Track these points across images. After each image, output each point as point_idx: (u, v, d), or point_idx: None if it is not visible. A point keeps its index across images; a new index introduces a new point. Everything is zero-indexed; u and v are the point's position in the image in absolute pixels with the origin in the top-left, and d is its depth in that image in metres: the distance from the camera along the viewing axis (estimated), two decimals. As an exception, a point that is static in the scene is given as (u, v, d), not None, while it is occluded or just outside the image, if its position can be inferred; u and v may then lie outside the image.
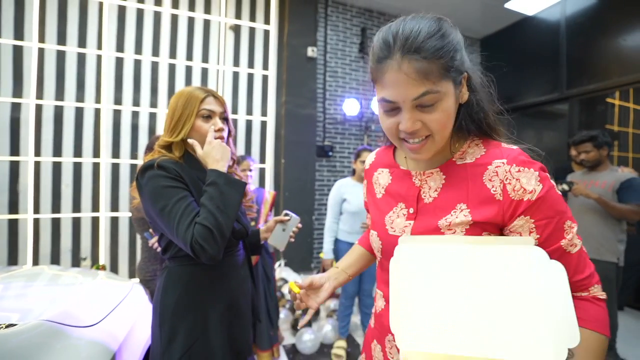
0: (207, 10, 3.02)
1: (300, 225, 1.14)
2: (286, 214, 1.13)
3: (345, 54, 3.59)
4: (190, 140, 0.92)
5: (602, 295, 0.54)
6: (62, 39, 2.58)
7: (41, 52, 2.52)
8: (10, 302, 0.95)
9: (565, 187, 2.00)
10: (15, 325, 0.78)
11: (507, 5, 3.52)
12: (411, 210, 0.61)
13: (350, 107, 3.43)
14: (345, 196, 2.20)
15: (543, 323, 0.44)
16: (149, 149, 1.57)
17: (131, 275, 2.76)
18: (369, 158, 0.77)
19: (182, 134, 0.92)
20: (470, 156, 0.58)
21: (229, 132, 1.04)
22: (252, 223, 1.18)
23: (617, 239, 1.98)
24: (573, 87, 3.47)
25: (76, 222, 2.64)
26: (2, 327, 0.76)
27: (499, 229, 0.56)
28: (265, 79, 3.26)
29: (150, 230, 1.50)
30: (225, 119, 1.01)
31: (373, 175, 0.72)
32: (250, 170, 2.12)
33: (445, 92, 0.51)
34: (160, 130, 2.86)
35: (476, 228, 0.55)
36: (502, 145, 0.57)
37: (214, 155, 0.89)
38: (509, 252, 0.48)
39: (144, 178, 0.85)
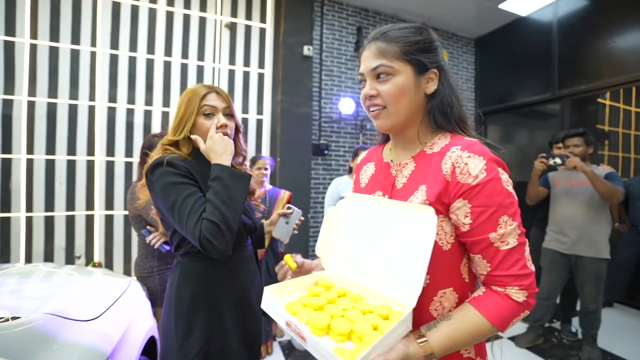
0: (203, 8, 3.01)
1: (302, 218, 1.17)
2: (289, 207, 1.16)
3: (341, 52, 3.61)
4: (193, 136, 0.92)
5: (518, 297, 0.55)
6: (55, 35, 2.55)
7: (33, 48, 2.49)
8: (11, 297, 0.95)
9: (558, 160, 2.05)
10: (19, 317, 0.79)
11: (501, 6, 3.56)
12: (386, 197, 0.69)
13: (346, 105, 3.45)
14: (343, 194, 2.23)
15: (408, 273, 0.57)
16: (145, 148, 1.57)
17: (126, 273, 2.74)
18: (361, 155, 0.87)
19: (184, 132, 0.93)
20: (437, 146, 0.64)
21: (237, 128, 1.03)
22: (263, 220, 1.19)
23: (608, 236, 2.04)
24: (564, 87, 3.53)
25: (70, 220, 2.61)
26: (7, 319, 0.76)
27: (447, 209, 0.60)
28: (261, 77, 3.26)
29: (148, 227, 1.50)
30: (230, 115, 1.00)
31: (362, 169, 0.81)
32: (266, 169, 2.13)
33: (400, 71, 0.62)
34: (155, 128, 2.85)
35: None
36: (465, 138, 0.63)
37: (217, 149, 0.89)
38: (410, 214, 0.59)
39: (154, 175, 0.85)
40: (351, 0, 3.57)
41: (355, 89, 3.66)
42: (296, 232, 1.17)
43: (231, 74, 3.15)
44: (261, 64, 3.26)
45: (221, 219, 0.79)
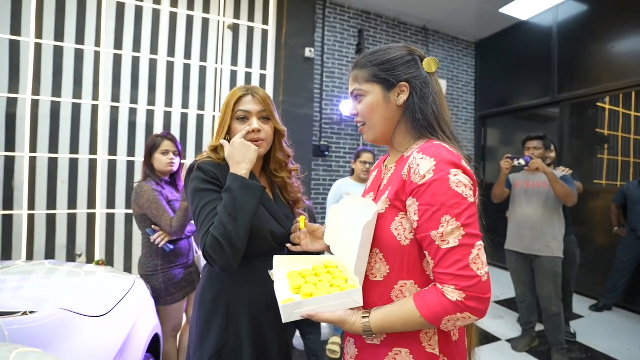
0: (206, 9, 3.03)
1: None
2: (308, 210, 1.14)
3: (343, 55, 3.63)
4: (221, 141, 0.90)
5: (451, 297, 0.56)
6: (59, 34, 2.56)
7: (38, 47, 2.51)
8: (23, 292, 0.96)
9: (522, 161, 2.14)
10: (35, 312, 0.80)
11: (501, 10, 3.59)
12: (372, 196, 0.78)
13: (347, 107, 3.47)
14: (345, 195, 2.25)
15: (353, 258, 0.66)
16: (149, 148, 1.59)
17: (127, 271, 2.74)
18: (376, 163, 0.94)
19: (221, 138, 0.92)
20: (410, 151, 0.69)
21: (279, 131, 0.99)
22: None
23: (562, 235, 2.16)
24: (564, 91, 3.56)
25: (72, 219, 2.63)
26: (25, 313, 0.77)
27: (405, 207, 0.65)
28: (263, 78, 3.28)
29: (153, 226, 1.51)
30: (267, 118, 0.95)
31: (371, 174, 0.89)
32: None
33: (368, 91, 0.72)
34: (157, 127, 2.87)
35: (393, 209, 0.66)
36: (434, 142, 0.66)
37: (235, 157, 0.86)
38: (364, 209, 0.69)
39: (188, 179, 0.89)
40: (353, 3, 3.60)
41: (356, 90, 3.68)
42: None
43: (233, 74, 3.17)
44: (263, 66, 3.28)
45: (223, 235, 0.76)
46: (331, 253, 0.85)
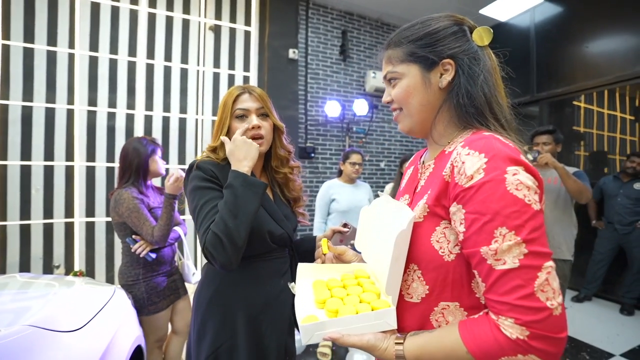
0: (186, 10, 2.97)
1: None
2: (345, 225, 1.05)
3: (327, 56, 3.63)
4: (222, 137, 0.89)
5: (510, 333, 0.44)
6: (29, 36, 2.45)
7: (6, 49, 2.39)
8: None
9: (530, 157, 1.99)
10: None
11: (481, 11, 3.67)
12: (408, 200, 0.67)
13: (332, 108, 3.46)
14: (335, 196, 2.24)
15: (385, 273, 0.56)
16: (149, 152, 1.53)
17: (109, 282, 2.65)
18: (411, 159, 0.84)
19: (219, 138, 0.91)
20: (453, 145, 0.58)
21: (278, 128, 0.99)
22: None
23: (573, 236, 2.06)
24: (543, 90, 3.66)
25: (48, 229, 2.51)
26: None
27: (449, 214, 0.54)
28: (246, 80, 3.23)
29: (134, 235, 1.45)
30: (265, 115, 0.95)
31: (406, 172, 0.78)
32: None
33: (404, 73, 0.62)
34: (137, 131, 2.78)
35: (433, 217, 0.55)
36: (484, 133, 0.54)
37: (237, 154, 0.84)
38: (398, 215, 0.59)
39: (187, 179, 0.88)
40: (336, 4, 3.60)
41: (340, 92, 3.68)
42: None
43: (216, 77, 3.12)
44: (246, 67, 3.24)
45: (224, 231, 0.75)
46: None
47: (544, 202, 0.50)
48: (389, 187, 2.70)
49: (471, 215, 0.48)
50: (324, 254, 0.78)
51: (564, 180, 1.92)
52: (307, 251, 1.06)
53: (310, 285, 0.68)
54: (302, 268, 0.73)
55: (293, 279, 1.00)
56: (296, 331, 1.03)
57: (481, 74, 0.58)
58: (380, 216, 0.69)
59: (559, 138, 2.14)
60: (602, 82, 3.20)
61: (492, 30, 0.61)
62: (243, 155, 0.84)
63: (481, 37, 0.60)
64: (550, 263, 0.45)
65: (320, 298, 0.61)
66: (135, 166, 1.51)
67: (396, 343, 0.52)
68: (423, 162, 0.68)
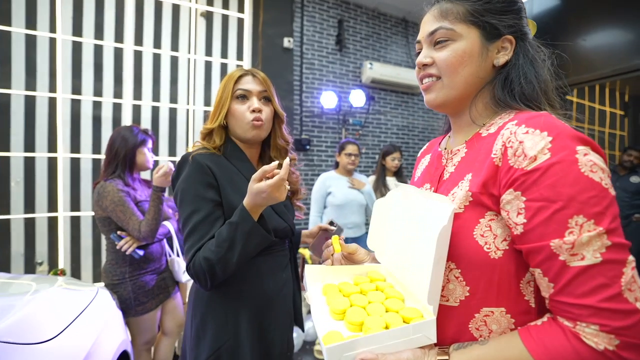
0: (176, -6, 2.82)
1: (344, 237, 1.03)
2: (331, 223, 1.05)
3: (322, 45, 3.52)
4: (285, 163, 0.76)
5: (595, 343, 0.37)
6: (5, 19, 2.29)
7: (-18, 33, 2.23)
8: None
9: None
10: None
11: (479, 2, 3.60)
12: (432, 189, 0.59)
13: (328, 99, 3.37)
14: (331, 189, 2.17)
15: (421, 279, 0.49)
16: (136, 142, 1.45)
17: (96, 279, 2.55)
18: (424, 147, 0.76)
19: (219, 119, 0.86)
20: (495, 126, 0.51)
21: (278, 116, 0.94)
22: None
23: None
24: (540, 83, 3.63)
25: (29, 224, 2.38)
26: None
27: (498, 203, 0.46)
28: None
29: (118, 232, 1.36)
30: (267, 99, 0.91)
31: (420, 161, 0.72)
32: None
33: (462, 34, 0.52)
34: (125, 121, 2.65)
35: (476, 206, 0.47)
36: (532, 112, 0.48)
37: (263, 200, 0.74)
38: (430, 206, 0.51)
39: (180, 172, 0.82)
40: (332, -9, 3.49)
41: (336, 82, 3.59)
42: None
43: (208, 65, 2.99)
44: (239, 56, 3.12)
45: (208, 270, 0.73)
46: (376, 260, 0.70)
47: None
48: (371, 179, 2.62)
49: (535, 202, 0.40)
50: (334, 254, 0.70)
51: None
52: (294, 244, 1.04)
53: (320, 291, 0.59)
54: (310, 271, 0.64)
55: (294, 272, 0.97)
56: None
57: (539, 59, 0.54)
58: (404, 209, 0.59)
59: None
60: (594, 76, 3.17)
61: (535, 24, 0.57)
62: (267, 202, 0.75)
63: (531, 24, 0.58)
64: (632, 257, 0.38)
65: (338, 308, 0.52)
66: (122, 156, 1.41)
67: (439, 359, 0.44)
68: (445, 148, 0.61)
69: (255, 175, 0.74)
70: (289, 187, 0.78)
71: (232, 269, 0.75)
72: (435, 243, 0.44)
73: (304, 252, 0.76)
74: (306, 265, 0.65)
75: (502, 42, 0.53)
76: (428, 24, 0.55)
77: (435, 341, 0.46)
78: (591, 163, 0.39)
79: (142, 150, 1.47)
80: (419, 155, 0.75)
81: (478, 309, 0.47)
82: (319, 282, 0.62)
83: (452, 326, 0.49)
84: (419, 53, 0.58)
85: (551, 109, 0.52)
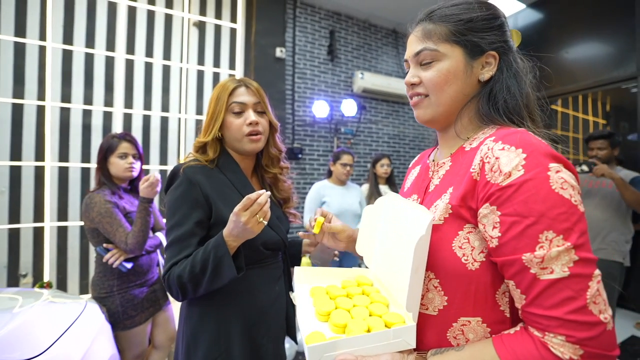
0: (169, 4, 2.84)
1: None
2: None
3: (314, 55, 3.57)
4: (261, 193, 0.74)
5: (561, 352, 0.39)
6: (-4, 26, 2.27)
7: (-30, 40, 2.20)
8: None
9: (585, 167, 1.95)
10: None
11: (466, 15, 3.71)
12: (419, 200, 0.61)
13: (320, 109, 3.40)
14: (325, 198, 2.17)
15: (401, 286, 0.50)
16: (104, 151, 1.41)
17: (83, 291, 2.48)
18: (415, 158, 0.78)
19: (213, 132, 0.85)
20: (477, 141, 0.53)
21: (272, 126, 0.93)
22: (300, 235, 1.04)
23: (625, 239, 1.98)
24: (525, 93, 3.74)
25: (14, 234, 2.32)
26: None
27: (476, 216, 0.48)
28: (232, 78, 3.12)
29: (105, 244, 1.33)
30: (262, 111, 0.90)
31: (410, 172, 0.73)
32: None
33: (446, 54, 0.54)
34: (116, 130, 2.63)
35: (456, 219, 0.49)
36: (511, 128, 0.50)
37: (241, 232, 0.73)
38: (413, 216, 0.52)
39: (172, 183, 0.82)
40: (324, 3, 3.55)
41: (328, 92, 3.63)
42: (336, 258, 1.02)
43: (200, 74, 3.00)
44: (232, 65, 3.13)
45: (180, 286, 0.75)
46: (363, 264, 0.74)
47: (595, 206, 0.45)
48: (365, 187, 2.64)
49: (509, 217, 0.42)
50: (315, 234, 0.75)
51: (622, 192, 1.85)
52: (293, 255, 1.02)
53: (308, 293, 0.61)
54: (298, 273, 0.66)
55: (287, 284, 0.96)
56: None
57: (522, 73, 0.56)
58: (390, 217, 0.61)
59: (616, 141, 2.05)
60: (579, 87, 3.29)
61: (520, 34, 0.59)
62: (241, 231, 0.74)
63: (515, 35, 0.59)
64: (598, 271, 0.40)
65: (323, 309, 0.54)
66: (101, 169, 1.39)
67: None
68: (433, 160, 0.63)
69: (238, 205, 0.73)
70: (265, 222, 0.75)
71: (204, 290, 0.76)
72: (412, 251, 0.46)
73: (306, 261, 0.76)
74: (295, 267, 0.66)
75: (486, 57, 0.55)
76: (413, 44, 0.57)
77: (414, 346, 0.48)
78: (562, 180, 0.41)
79: (112, 160, 1.39)
80: (410, 166, 0.77)
81: (456, 318, 0.49)
82: (307, 284, 0.64)
83: (431, 334, 0.51)
84: (406, 70, 0.61)
85: (532, 122, 0.55)
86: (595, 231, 2.02)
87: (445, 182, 0.55)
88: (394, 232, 0.58)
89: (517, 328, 0.45)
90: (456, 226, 0.48)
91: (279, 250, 0.93)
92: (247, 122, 0.85)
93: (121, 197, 1.40)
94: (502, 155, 0.44)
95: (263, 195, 0.72)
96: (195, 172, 0.81)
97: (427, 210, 0.50)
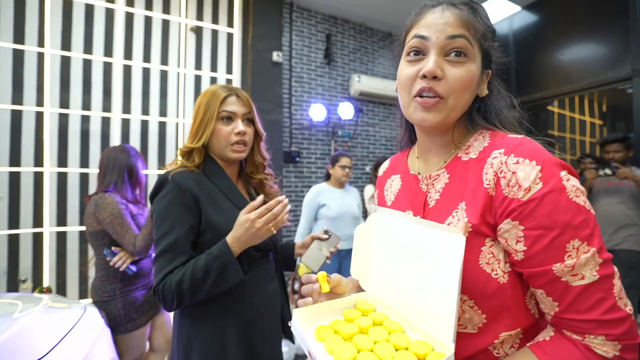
0: (166, 10, 2.86)
1: (339, 246, 1.03)
2: (326, 232, 1.03)
3: (311, 59, 3.59)
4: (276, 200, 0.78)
5: (605, 352, 0.40)
6: (-6, 33, 2.29)
7: (-32, 47, 2.22)
8: None
9: (608, 171, 2.05)
10: None
11: (461, 18, 3.74)
12: (418, 217, 0.56)
13: (317, 112, 3.43)
14: (324, 202, 2.19)
15: (440, 311, 0.45)
16: (107, 155, 1.45)
17: (82, 296, 2.49)
18: (383, 165, 0.74)
19: (202, 140, 0.86)
20: (475, 150, 0.51)
21: (258, 134, 0.96)
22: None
23: None
24: (521, 95, 3.77)
25: (13, 240, 2.33)
26: None
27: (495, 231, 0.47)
28: (229, 83, 3.15)
29: (113, 247, 1.34)
30: (250, 120, 0.93)
31: (386, 182, 0.69)
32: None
33: (474, 56, 0.49)
34: (114, 135, 2.64)
35: (477, 236, 0.47)
36: (508, 135, 0.49)
37: (248, 238, 0.76)
38: (438, 236, 0.47)
39: (160, 191, 0.82)
40: (320, 7, 3.58)
41: (325, 95, 3.65)
42: (328, 261, 1.02)
43: (197, 79, 3.02)
44: (229, 70, 3.15)
45: (177, 294, 0.74)
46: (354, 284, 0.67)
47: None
48: (369, 187, 2.67)
49: (534, 231, 0.42)
50: (321, 292, 0.61)
51: None
52: (285, 258, 1.04)
53: (314, 337, 0.52)
54: (297, 314, 0.56)
55: (281, 284, 0.97)
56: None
57: (506, 96, 0.55)
58: (398, 237, 0.56)
59: (630, 144, 2.16)
60: (575, 88, 3.32)
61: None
62: (250, 236, 0.77)
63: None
64: (616, 268, 0.42)
65: (344, 357, 0.46)
66: (123, 172, 1.42)
67: None
68: (419, 172, 0.59)
69: (243, 210, 0.77)
70: (275, 230, 0.79)
71: (201, 298, 0.76)
72: (457, 280, 0.42)
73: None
74: (294, 311, 0.56)
75: (487, 74, 0.54)
76: (445, 25, 0.48)
77: None
78: (575, 188, 0.42)
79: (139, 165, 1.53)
80: (380, 174, 0.72)
81: (497, 335, 0.47)
82: (309, 325, 0.55)
83: (473, 349, 0.49)
84: (416, 51, 0.51)
85: (508, 127, 0.55)
86: (618, 225, 2.12)
87: (451, 197, 0.52)
88: (412, 252, 0.53)
89: (552, 333, 0.45)
90: (478, 243, 0.47)
91: (269, 251, 0.94)
92: (235, 132, 0.87)
93: (130, 202, 1.43)
94: (518, 169, 0.43)
95: (279, 205, 0.75)
96: (184, 178, 0.81)
97: (453, 229, 0.45)
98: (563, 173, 0.43)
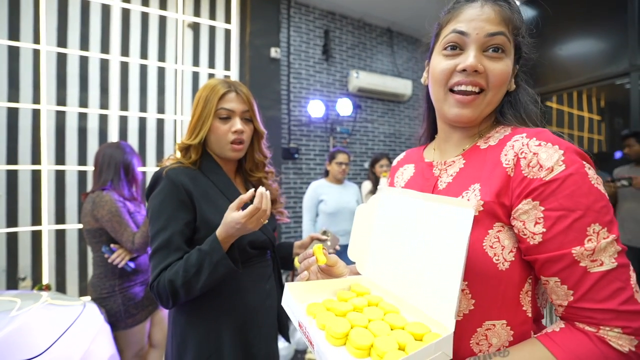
0: (163, 6, 2.84)
1: (338, 247, 1.01)
2: (324, 232, 1.02)
3: (309, 55, 3.58)
4: (259, 192, 0.76)
5: (620, 345, 0.38)
6: (-11, 30, 2.27)
7: (-36, 45, 2.20)
8: None
9: (625, 182, 2.10)
10: None
11: (460, 13, 3.72)
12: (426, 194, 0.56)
13: (315, 108, 3.42)
14: (322, 197, 2.21)
15: (442, 288, 0.43)
16: (102, 152, 1.44)
17: (82, 293, 2.49)
18: (399, 156, 0.73)
19: (200, 137, 0.84)
20: (495, 139, 0.51)
21: (258, 132, 0.94)
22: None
23: None
24: (520, 90, 3.77)
25: (12, 238, 2.33)
26: None
27: (508, 214, 0.46)
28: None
29: (111, 245, 1.35)
30: (249, 119, 0.91)
31: (397, 170, 0.69)
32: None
33: (510, 51, 0.50)
34: (112, 132, 2.63)
35: (487, 217, 0.46)
36: (530, 128, 0.50)
37: (236, 230, 0.75)
38: (446, 210, 0.45)
39: (155, 188, 0.81)
40: (318, 3, 3.56)
41: (323, 91, 3.64)
42: None
43: (195, 76, 3.01)
44: (227, 66, 3.14)
45: (171, 291, 0.74)
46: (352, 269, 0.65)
47: None
48: (366, 184, 2.67)
49: (555, 212, 0.41)
50: (318, 265, 0.60)
51: None
52: (283, 258, 1.03)
53: (305, 313, 0.50)
54: (286, 292, 0.54)
55: (278, 283, 0.97)
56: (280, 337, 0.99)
57: (529, 92, 0.56)
58: (399, 215, 0.54)
59: None
60: (573, 83, 3.33)
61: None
62: (240, 232, 0.76)
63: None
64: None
65: (337, 331, 0.44)
66: (119, 169, 1.42)
67: None
68: (434, 160, 0.60)
69: (232, 204, 0.75)
70: (265, 221, 0.78)
71: (196, 294, 0.76)
72: (463, 254, 0.40)
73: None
74: (286, 285, 0.55)
75: (514, 68, 0.54)
76: (485, 21, 0.48)
77: (451, 357, 0.42)
78: (596, 176, 0.42)
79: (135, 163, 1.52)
80: (394, 164, 0.73)
81: (481, 323, 0.46)
82: (300, 302, 0.53)
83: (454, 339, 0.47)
84: (453, 46, 0.51)
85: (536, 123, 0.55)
86: (631, 218, 2.19)
87: (464, 180, 0.51)
88: (414, 229, 0.51)
89: (562, 325, 0.43)
90: (487, 224, 0.46)
91: (266, 249, 0.94)
92: (232, 130, 0.86)
93: (127, 199, 1.43)
94: (540, 150, 0.43)
95: (265, 201, 0.74)
96: (178, 173, 0.80)
97: (463, 201, 0.43)
98: (584, 162, 0.43)
